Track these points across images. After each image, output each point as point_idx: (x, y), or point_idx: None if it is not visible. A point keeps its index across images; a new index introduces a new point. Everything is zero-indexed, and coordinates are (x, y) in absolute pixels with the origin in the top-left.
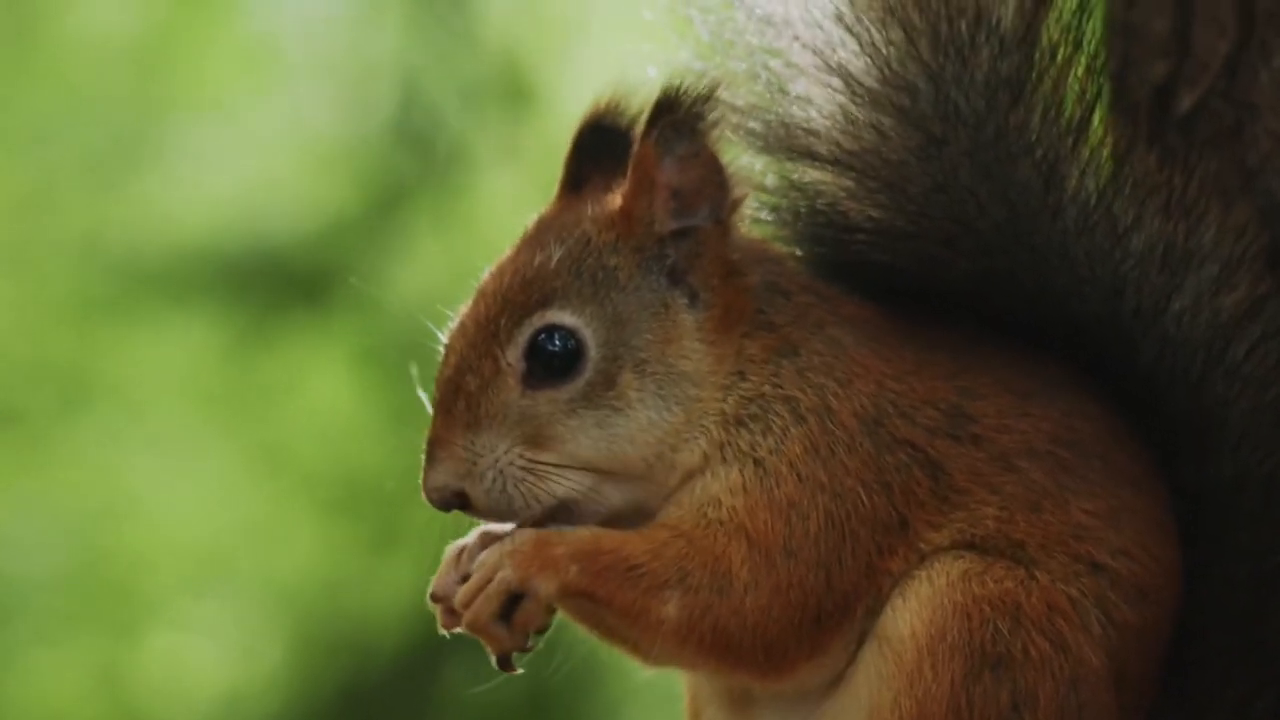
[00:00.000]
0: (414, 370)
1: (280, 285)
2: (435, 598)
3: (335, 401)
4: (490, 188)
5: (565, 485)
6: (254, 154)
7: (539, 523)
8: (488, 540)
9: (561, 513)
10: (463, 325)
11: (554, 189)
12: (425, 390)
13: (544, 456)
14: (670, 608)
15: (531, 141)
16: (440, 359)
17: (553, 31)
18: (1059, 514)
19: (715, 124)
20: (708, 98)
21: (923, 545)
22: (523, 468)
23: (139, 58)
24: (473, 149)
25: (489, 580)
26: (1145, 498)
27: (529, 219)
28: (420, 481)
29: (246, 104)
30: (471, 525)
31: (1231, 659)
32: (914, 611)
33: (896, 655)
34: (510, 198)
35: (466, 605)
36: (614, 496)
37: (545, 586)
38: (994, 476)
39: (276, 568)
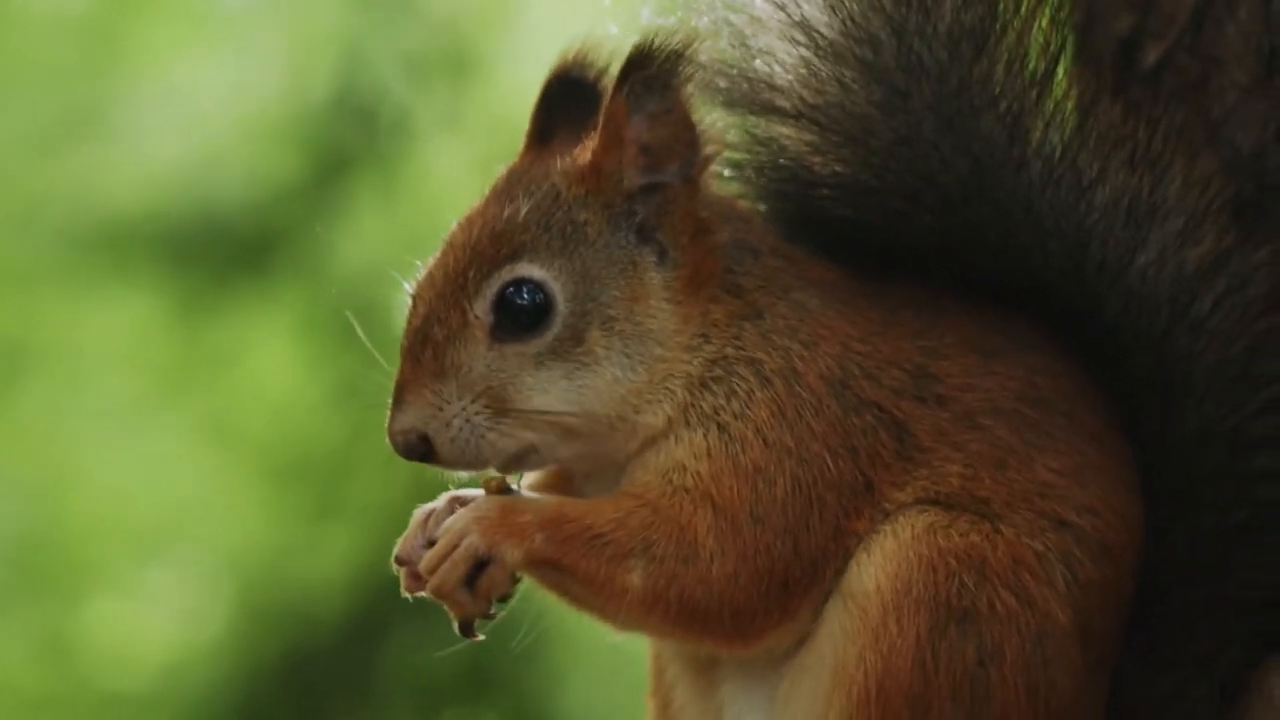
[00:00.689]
0: (361, 332)
1: (224, 254)
2: (400, 561)
3: (279, 370)
4: (433, 157)
5: (530, 438)
6: (197, 122)
7: (503, 486)
8: (455, 505)
9: (524, 464)
10: (431, 276)
11: (497, 160)
12: (377, 351)
13: (510, 408)
14: (635, 577)
15: (475, 111)
16: (408, 309)
17: (496, 0)
18: (1024, 471)
19: (688, 81)
20: (681, 54)
21: (887, 505)
22: (489, 418)
23: (83, 26)
24: (416, 118)
25: (455, 546)
26: (1110, 454)
27: (472, 189)
28: (386, 426)
29: (190, 72)
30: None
31: (1196, 614)
32: (878, 565)
33: (861, 610)
34: (454, 167)
35: (432, 570)
36: (577, 451)
37: (511, 554)
38: (959, 435)
39: (221, 536)
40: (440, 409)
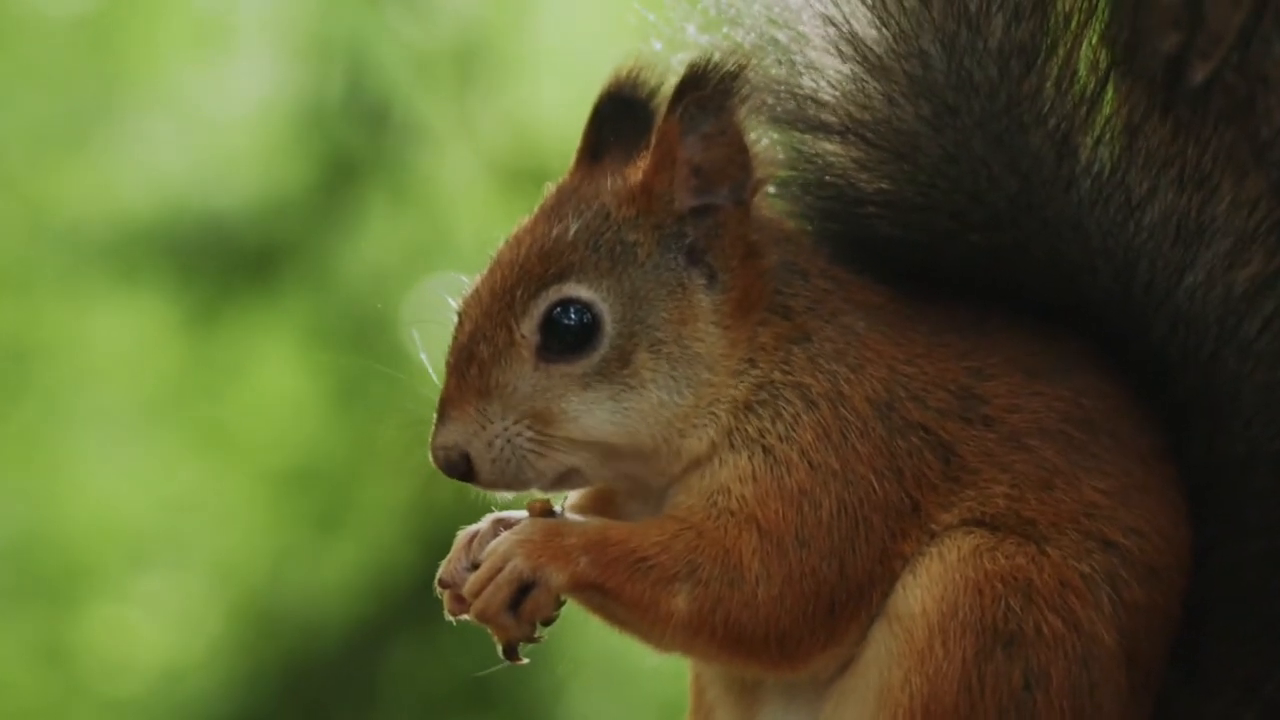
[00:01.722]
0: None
1: (230, 261)
2: (444, 584)
3: (284, 378)
4: (444, 163)
5: (572, 460)
6: (204, 129)
7: (547, 509)
8: (499, 528)
9: (566, 485)
10: (477, 293)
11: (507, 166)
12: (381, 360)
13: (554, 430)
14: (680, 600)
15: (485, 117)
16: (454, 325)
17: (508, 4)
18: (1070, 492)
19: (742, 103)
20: (736, 75)
21: (934, 526)
22: (531, 439)
23: (89, 30)
24: (426, 124)
25: (499, 569)
26: (1156, 475)
27: (482, 196)
28: (429, 440)
29: (197, 78)
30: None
31: (1241, 638)
32: (924, 588)
33: (907, 633)
34: (464, 174)
35: (476, 593)
36: (619, 472)
37: (555, 577)
38: (1005, 456)
39: (223, 543)
40: (483, 427)
